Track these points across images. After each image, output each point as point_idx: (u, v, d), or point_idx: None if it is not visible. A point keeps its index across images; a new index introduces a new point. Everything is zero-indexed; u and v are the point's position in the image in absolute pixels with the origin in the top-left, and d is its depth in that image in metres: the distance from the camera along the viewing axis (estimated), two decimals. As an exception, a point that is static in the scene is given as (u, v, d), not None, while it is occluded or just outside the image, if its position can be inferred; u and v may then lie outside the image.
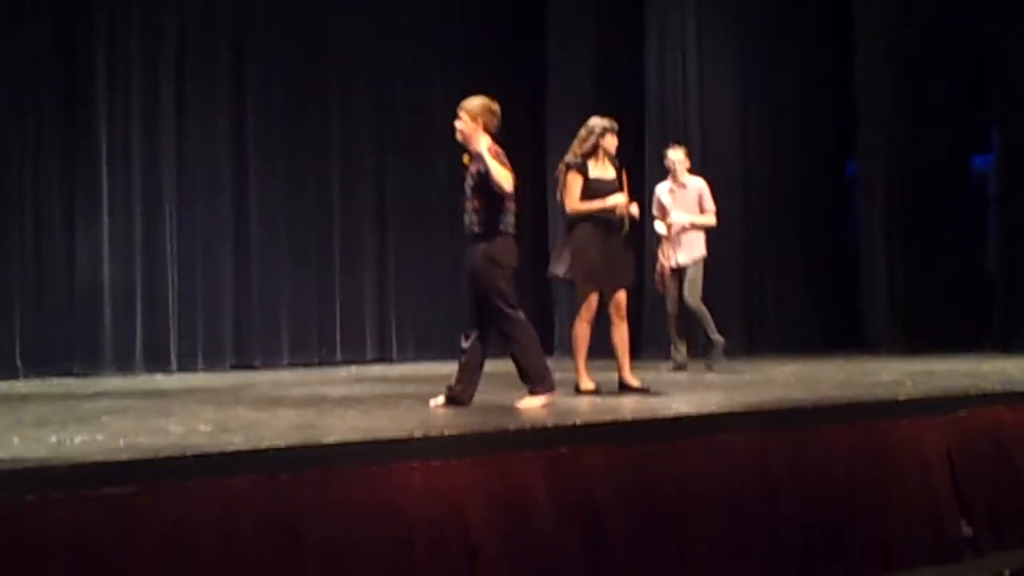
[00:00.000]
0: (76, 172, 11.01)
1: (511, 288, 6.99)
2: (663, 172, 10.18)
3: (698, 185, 10.03)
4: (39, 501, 4.50)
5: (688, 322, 10.13)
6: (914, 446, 6.65)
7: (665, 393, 8.00)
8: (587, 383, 8.05)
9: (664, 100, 12.17)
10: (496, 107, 7.15)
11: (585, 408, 7.18)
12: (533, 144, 12.93)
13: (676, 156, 10.00)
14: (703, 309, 9.96)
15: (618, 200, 7.90)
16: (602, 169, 8.06)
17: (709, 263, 10.07)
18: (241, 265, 11.74)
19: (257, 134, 11.86)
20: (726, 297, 12.13)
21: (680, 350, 10.17)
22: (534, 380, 7.10)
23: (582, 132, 8.11)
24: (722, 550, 5.94)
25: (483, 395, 8.18)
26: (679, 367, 10.11)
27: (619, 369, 8.13)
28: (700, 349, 10.33)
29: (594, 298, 8.00)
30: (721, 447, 6.13)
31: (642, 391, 7.98)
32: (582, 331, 8.09)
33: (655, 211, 10.20)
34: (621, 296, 8.13)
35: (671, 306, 10.10)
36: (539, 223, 12.70)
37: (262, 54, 11.91)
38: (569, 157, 8.09)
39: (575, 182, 7.96)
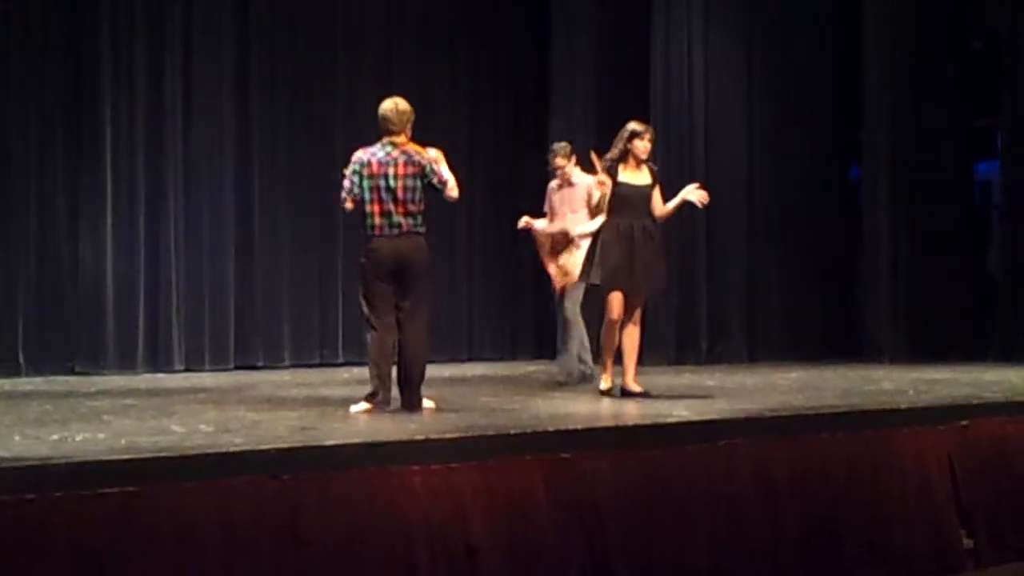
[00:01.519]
0: (80, 171, 11.00)
1: (368, 291, 7.28)
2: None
3: (587, 183, 9.09)
4: (40, 499, 4.50)
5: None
6: (915, 456, 6.64)
7: (667, 399, 8.01)
8: (606, 383, 8.14)
9: (669, 102, 12.15)
10: (381, 110, 7.42)
11: (587, 413, 7.18)
12: (536, 143, 12.91)
13: (559, 151, 9.32)
14: (581, 327, 9.19)
15: (601, 184, 8.10)
16: (633, 174, 8.14)
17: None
18: (244, 265, 11.73)
19: (261, 135, 11.84)
20: (729, 303, 12.13)
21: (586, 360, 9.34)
22: (370, 385, 7.26)
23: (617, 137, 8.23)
24: (723, 557, 5.94)
25: (484, 398, 8.19)
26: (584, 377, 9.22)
27: (623, 373, 8.16)
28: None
29: (615, 299, 8.04)
30: (724, 453, 6.12)
31: (644, 396, 8.01)
32: (607, 332, 8.17)
33: (546, 209, 9.48)
34: (638, 300, 8.18)
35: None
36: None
37: (267, 53, 11.88)
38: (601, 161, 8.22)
39: None
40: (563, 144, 9.38)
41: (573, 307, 9.13)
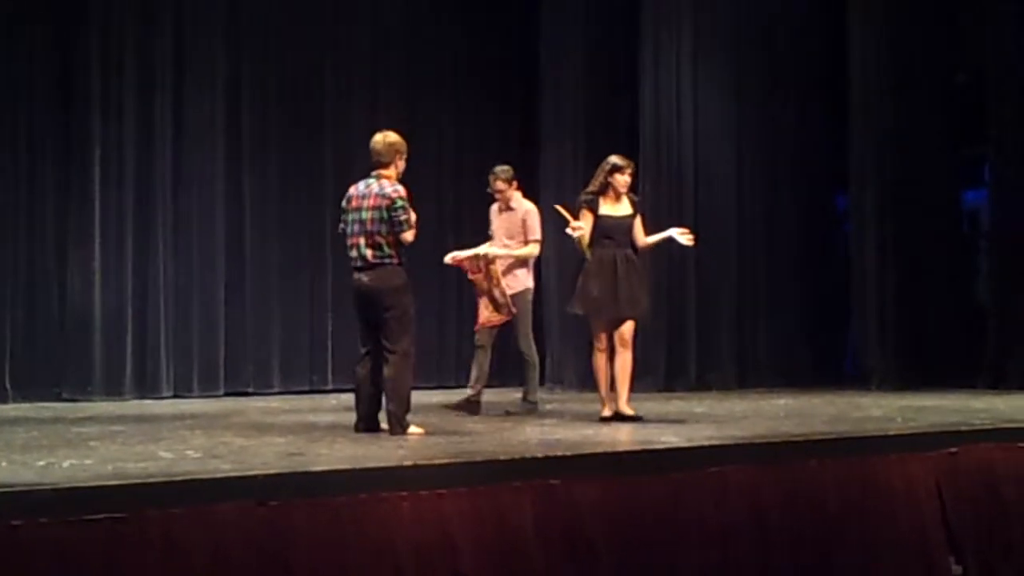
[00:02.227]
0: (69, 196, 10.99)
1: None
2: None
3: (525, 209, 9.15)
4: (26, 526, 4.48)
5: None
6: (904, 482, 6.64)
7: (657, 425, 8.03)
8: (606, 410, 8.31)
9: (659, 135, 12.16)
10: (371, 142, 7.67)
11: (576, 439, 7.17)
12: (526, 173, 12.87)
13: (500, 175, 9.20)
14: (534, 356, 9.15)
15: (575, 228, 8.23)
16: (613, 206, 8.34)
17: (536, 299, 9.39)
18: (234, 291, 11.70)
19: (252, 158, 11.83)
20: (718, 329, 12.14)
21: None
22: None
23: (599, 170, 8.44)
24: (711, 584, 5.93)
25: (473, 424, 8.18)
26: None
27: (616, 397, 8.30)
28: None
29: (599, 329, 8.32)
30: (712, 480, 6.12)
31: (637, 420, 8.15)
32: (597, 362, 8.37)
33: (490, 232, 9.37)
34: (626, 327, 8.34)
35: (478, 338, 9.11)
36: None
37: (258, 78, 11.90)
38: (582, 194, 8.41)
39: (584, 219, 8.29)
40: (505, 168, 9.24)
41: (524, 334, 9.05)
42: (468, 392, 9.00)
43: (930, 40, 11.99)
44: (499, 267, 8.87)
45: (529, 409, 9.06)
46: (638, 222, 8.40)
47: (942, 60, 12.12)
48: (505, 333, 9.18)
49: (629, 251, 8.33)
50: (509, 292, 8.85)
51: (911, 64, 11.89)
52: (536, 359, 9.22)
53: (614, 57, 12.35)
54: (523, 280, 9.09)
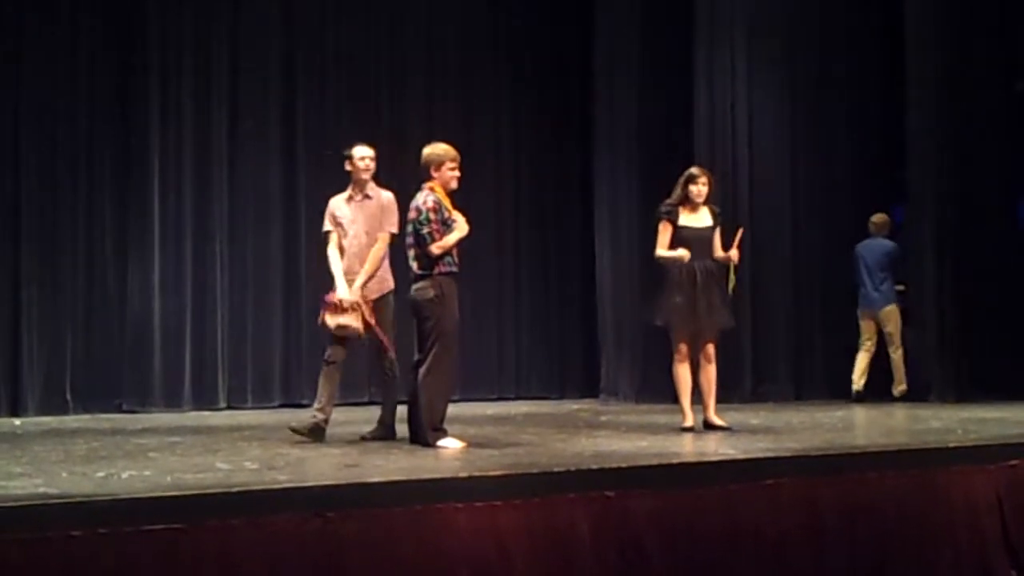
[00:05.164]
0: (127, 210, 11.10)
1: None
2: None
3: (388, 198, 8.12)
4: (86, 536, 4.52)
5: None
6: (964, 494, 6.57)
7: (713, 436, 8.02)
8: (687, 421, 8.36)
9: (713, 139, 12.11)
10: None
11: (631, 451, 7.16)
12: (581, 181, 12.92)
13: (361, 153, 8.14)
14: (397, 372, 8.07)
15: (680, 254, 8.22)
16: (693, 217, 8.38)
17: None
18: (291, 301, 11.76)
19: (308, 171, 11.89)
20: (774, 341, 12.05)
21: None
22: None
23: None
24: (768, 597, 5.89)
25: (528, 436, 8.17)
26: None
27: (704, 408, 8.42)
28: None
29: (681, 341, 8.36)
30: (768, 492, 6.08)
31: (726, 429, 8.26)
32: (678, 373, 8.41)
33: (327, 227, 8.28)
34: (706, 340, 8.41)
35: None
36: (587, 261, 12.66)
37: (315, 90, 11.97)
38: (662, 206, 8.45)
39: (663, 230, 8.37)
40: (369, 150, 8.17)
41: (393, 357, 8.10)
42: (317, 416, 7.95)
43: (988, 48, 11.85)
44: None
45: (387, 434, 8.01)
46: (717, 234, 8.45)
47: (1000, 68, 11.98)
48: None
49: (709, 263, 8.38)
50: (379, 294, 7.97)
51: (969, 72, 11.76)
52: (396, 372, 8.13)
53: (668, 64, 12.28)
54: (389, 280, 8.09)
